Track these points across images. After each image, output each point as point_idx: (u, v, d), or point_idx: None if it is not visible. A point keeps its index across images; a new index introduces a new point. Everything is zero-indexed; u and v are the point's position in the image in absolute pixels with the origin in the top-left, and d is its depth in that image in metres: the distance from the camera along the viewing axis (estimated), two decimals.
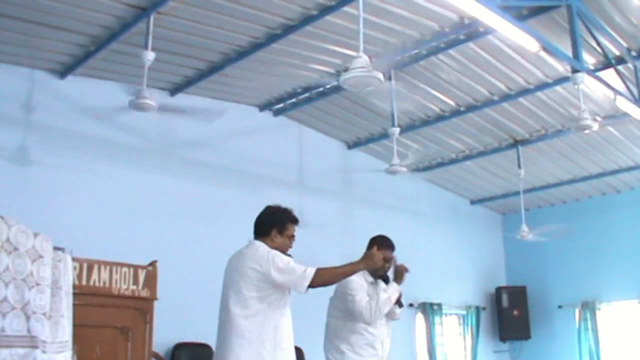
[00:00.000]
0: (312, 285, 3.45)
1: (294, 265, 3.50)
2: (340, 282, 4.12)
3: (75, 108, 6.08)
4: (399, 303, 4.44)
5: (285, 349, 3.54)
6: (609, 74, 6.05)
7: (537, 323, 9.70)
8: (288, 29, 5.65)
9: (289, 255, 3.69)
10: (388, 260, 4.32)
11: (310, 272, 3.44)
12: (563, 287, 9.59)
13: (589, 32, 5.54)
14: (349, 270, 3.64)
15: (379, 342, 4.32)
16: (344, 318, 4.28)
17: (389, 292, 4.30)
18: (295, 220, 3.79)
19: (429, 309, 8.80)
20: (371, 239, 4.41)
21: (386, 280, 4.39)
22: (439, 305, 8.96)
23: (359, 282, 4.27)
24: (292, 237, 3.76)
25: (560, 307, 9.60)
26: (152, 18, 5.16)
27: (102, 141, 6.15)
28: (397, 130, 6.70)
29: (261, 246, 3.61)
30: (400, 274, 4.44)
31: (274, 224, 3.70)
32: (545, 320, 9.69)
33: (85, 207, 5.81)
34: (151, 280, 3.62)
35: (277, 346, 3.48)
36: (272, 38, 5.77)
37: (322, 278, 3.47)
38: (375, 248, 3.85)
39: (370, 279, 4.37)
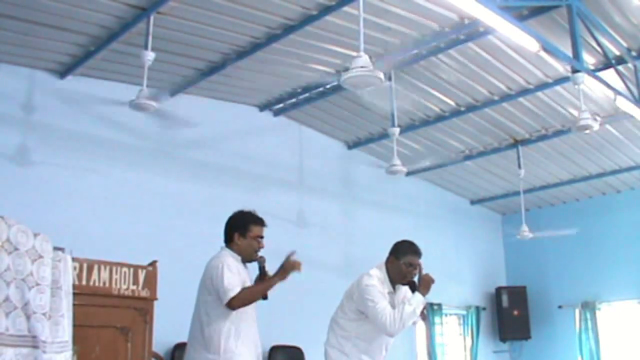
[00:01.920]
0: (233, 306, 3.61)
1: (224, 282, 3.62)
2: (359, 286, 4.04)
3: (75, 108, 6.08)
4: (422, 315, 4.09)
5: (232, 352, 3.64)
6: (609, 74, 6.04)
7: (537, 323, 9.69)
8: (288, 29, 5.65)
9: (260, 257, 3.87)
10: (415, 267, 4.10)
11: (232, 293, 3.60)
12: (563, 287, 9.59)
13: (589, 32, 5.54)
14: (265, 287, 3.74)
15: (383, 349, 4.20)
16: (356, 321, 4.08)
17: (414, 304, 3.96)
18: (258, 221, 3.90)
19: (429, 309, 8.80)
20: (395, 244, 4.20)
21: (413, 288, 4.10)
22: (439, 305, 8.96)
23: (380, 289, 4.02)
24: (257, 237, 3.87)
25: (560, 307, 9.60)
26: (152, 18, 5.16)
27: (102, 141, 6.15)
28: (397, 130, 6.70)
29: (217, 258, 3.79)
30: (425, 284, 4.05)
31: (235, 228, 3.87)
32: (545, 320, 9.69)
33: (86, 207, 5.81)
34: (151, 280, 3.61)
35: (225, 349, 3.63)
36: (272, 38, 5.77)
37: (241, 301, 3.62)
38: (292, 258, 3.80)
39: (389, 288, 4.13)
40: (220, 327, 3.65)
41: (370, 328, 4.06)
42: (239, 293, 3.62)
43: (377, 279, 4.04)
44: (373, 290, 3.98)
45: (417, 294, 4.03)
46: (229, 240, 3.88)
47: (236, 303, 3.60)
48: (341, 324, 4.14)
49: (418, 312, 3.99)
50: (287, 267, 3.74)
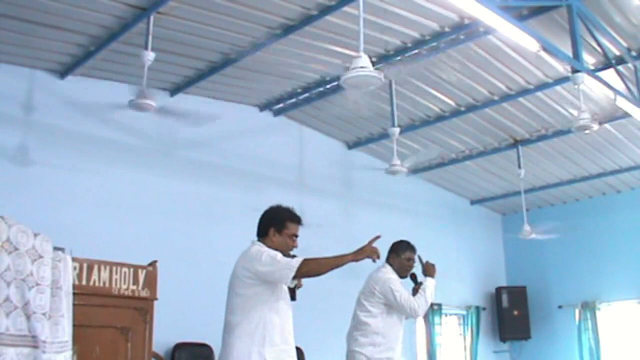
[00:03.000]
0: (297, 275, 3.44)
1: (280, 258, 3.48)
2: (378, 282, 4.53)
3: (75, 108, 6.08)
4: None
5: (277, 345, 3.51)
6: (609, 74, 6.04)
7: (537, 323, 9.69)
8: (288, 29, 5.65)
9: (293, 256, 3.65)
10: (413, 260, 4.70)
11: (296, 262, 3.42)
12: (563, 287, 9.59)
13: (589, 32, 5.54)
14: (337, 261, 3.49)
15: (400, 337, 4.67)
16: (380, 315, 4.54)
17: (430, 286, 4.60)
18: (295, 219, 3.73)
19: (429, 309, 8.76)
20: (392, 244, 4.71)
21: (415, 280, 4.72)
22: (439, 305, 8.95)
23: (400, 280, 4.60)
24: (292, 236, 3.70)
25: (560, 307, 9.60)
26: (152, 18, 5.16)
27: (102, 141, 6.15)
28: (397, 130, 6.71)
29: (255, 246, 3.63)
30: (431, 268, 4.68)
31: (271, 224, 3.69)
32: (545, 320, 9.69)
33: (85, 207, 5.81)
34: (151, 280, 3.61)
35: (266, 342, 3.47)
36: (272, 38, 5.77)
37: (307, 267, 3.43)
38: (374, 243, 3.69)
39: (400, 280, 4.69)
40: (258, 318, 3.47)
41: (393, 319, 4.57)
42: (305, 260, 3.41)
43: (393, 273, 4.61)
44: (395, 283, 4.55)
45: (428, 278, 4.64)
46: (262, 234, 3.69)
47: (303, 269, 3.40)
48: (367, 321, 4.54)
49: (434, 292, 4.61)
50: (366, 250, 3.56)
